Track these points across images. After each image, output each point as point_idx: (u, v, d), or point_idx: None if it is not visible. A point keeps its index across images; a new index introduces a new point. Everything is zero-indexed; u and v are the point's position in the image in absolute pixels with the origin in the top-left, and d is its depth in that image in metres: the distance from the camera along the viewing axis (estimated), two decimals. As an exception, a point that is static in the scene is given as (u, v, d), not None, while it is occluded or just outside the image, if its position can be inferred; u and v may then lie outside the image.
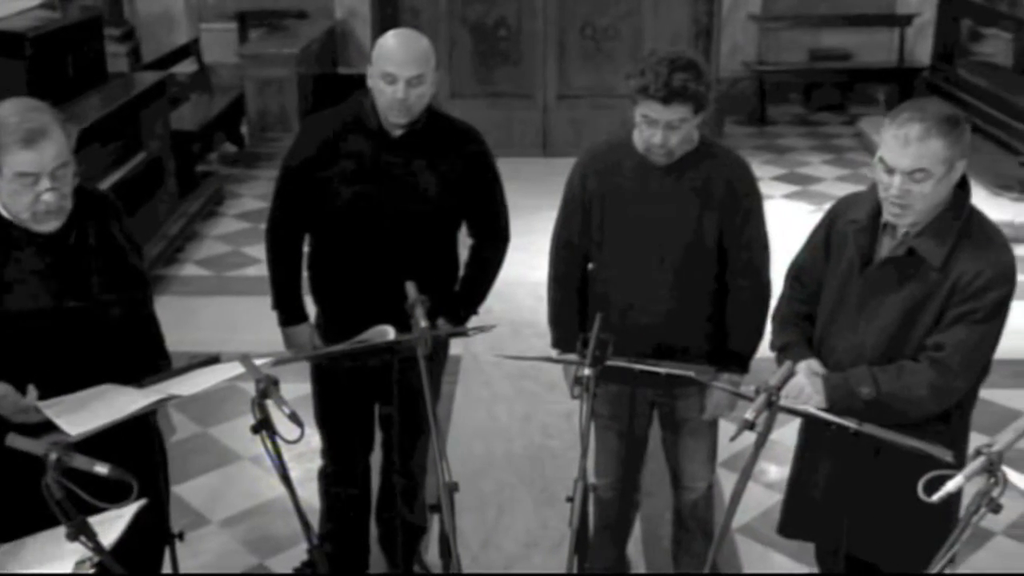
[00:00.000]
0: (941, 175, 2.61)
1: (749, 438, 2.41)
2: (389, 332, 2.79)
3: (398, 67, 3.08)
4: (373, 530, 3.77)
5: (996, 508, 2.04)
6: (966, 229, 2.70)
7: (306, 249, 3.45)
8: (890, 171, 2.63)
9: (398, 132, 3.20)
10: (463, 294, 3.46)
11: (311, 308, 3.52)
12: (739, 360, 3.25)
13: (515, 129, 8.96)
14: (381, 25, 9.08)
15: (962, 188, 2.72)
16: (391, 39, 3.16)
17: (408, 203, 3.23)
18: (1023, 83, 8.80)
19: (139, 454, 2.76)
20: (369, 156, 3.21)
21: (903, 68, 10.44)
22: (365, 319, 2.89)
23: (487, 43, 9.08)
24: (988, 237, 2.73)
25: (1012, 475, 2.07)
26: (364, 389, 3.46)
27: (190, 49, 9.52)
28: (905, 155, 2.59)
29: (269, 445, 2.41)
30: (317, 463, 3.70)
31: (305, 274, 3.48)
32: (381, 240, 3.25)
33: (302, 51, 8.84)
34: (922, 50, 10.41)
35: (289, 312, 3.47)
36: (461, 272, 3.51)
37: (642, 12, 8.87)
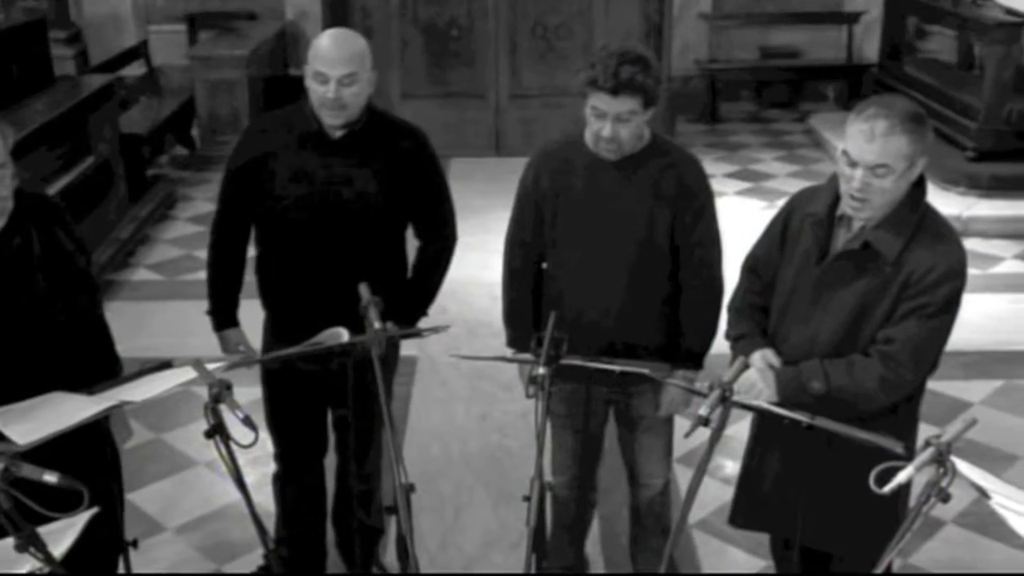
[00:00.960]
0: (902, 171, 2.65)
1: (705, 434, 2.43)
2: (343, 334, 2.77)
3: (329, 66, 3.07)
4: (330, 534, 3.75)
5: (945, 498, 2.06)
6: (920, 225, 2.74)
7: (253, 253, 3.42)
8: (853, 164, 2.67)
9: (338, 134, 3.18)
10: (411, 295, 3.44)
11: (256, 312, 3.48)
12: (693, 357, 3.27)
13: (468, 129, 8.97)
14: (332, 25, 9.02)
15: (918, 185, 2.77)
16: (324, 38, 3.14)
17: (351, 205, 3.21)
18: (968, 79, 8.93)
19: (90, 462, 2.72)
20: (310, 159, 3.19)
21: (852, 65, 10.58)
22: (314, 322, 2.87)
23: (439, 43, 9.06)
24: (941, 233, 2.77)
25: (961, 465, 2.10)
26: (316, 392, 3.44)
27: (139, 51, 9.42)
28: (869, 150, 2.63)
29: (223, 450, 2.39)
30: (273, 467, 3.68)
31: (251, 279, 3.44)
32: (326, 243, 3.23)
33: (252, 53, 8.77)
34: (870, 47, 10.54)
35: (224, 316, 3.44)
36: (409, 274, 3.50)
37: (593, 11, 8.91)
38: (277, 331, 3.41)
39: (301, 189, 3.19)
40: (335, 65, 3.06)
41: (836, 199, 2.80)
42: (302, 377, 3.38)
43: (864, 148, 2.64)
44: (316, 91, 3.11)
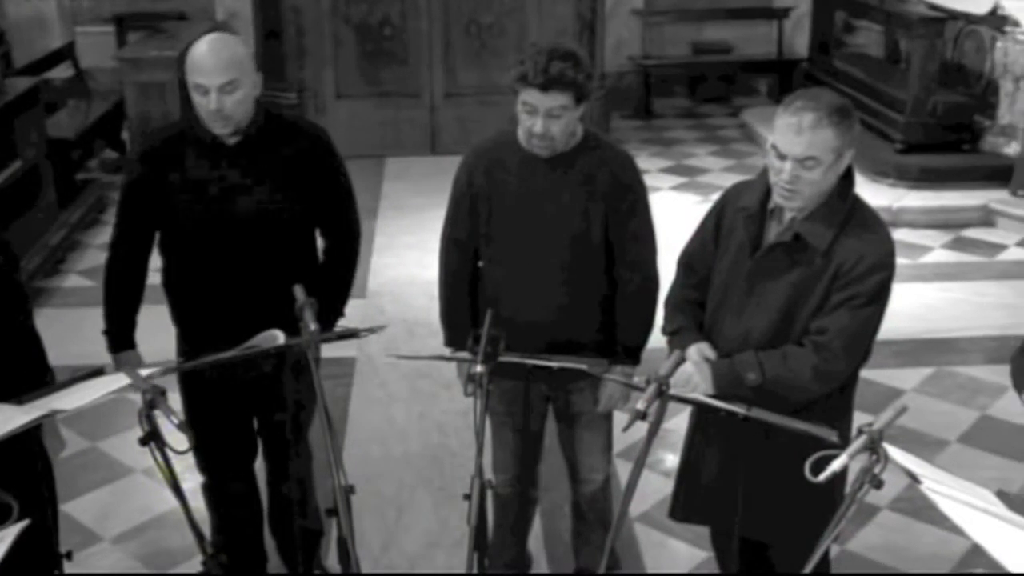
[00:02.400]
0: (830, 163, 2.69)
1: (644, 428, 2.44)
2: (279, 337, 2.75)
3: (207, 76, 3.01)
4: (270, 538, 3.72)
5: (878, 484, 2.10)
6: (849, 216, 2.78)
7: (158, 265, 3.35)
8: (782, 157, 2.70)
9: (233, 140, 3.14)
10: (325, 297, 3.41)
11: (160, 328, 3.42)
12: (631, 352, 3.29)
13: (403, 128, 8.92)
14: (263, 26, 8.97)
15: (847, 176, 2.81)
16: (200, 49, 3.06)
17: (253, 212, 3.16)
18: (894, 73, 9.09)
19: (21, 473, 2.67)
20: (207, 167, 3.14)
21: (783, 60, 10.71)
22: (226, 334, 2.82)
23: (372, 42, 9.01)
24: (869, 224, 2.82)
25: (893, 452, 2.13)
26: (238, 399, 3.39)
27: (65, 53, 9.24)
28: (797, 143, 2.66)
29: (158, 457, 2.37)
30: (206, 475, 3.64)
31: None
32: (230, 251, 3.18)
33: (182, 54, 8.64)
34: (800, 42, 10.69)
35: (119, 339, 3.33)
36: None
37: (526, 8, 8.92)
38: (189, 346, 3.34)
39: (202, 200, 3.14)
40: (213, 74, 3.01)
41: (767, 192, 2.83)
42: (223, 385, 3.33)
43: (792, 141, 2.67)
44: (199, 103, 3.06)
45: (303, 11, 8.87)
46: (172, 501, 2.53)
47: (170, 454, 2.38)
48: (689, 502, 3.17)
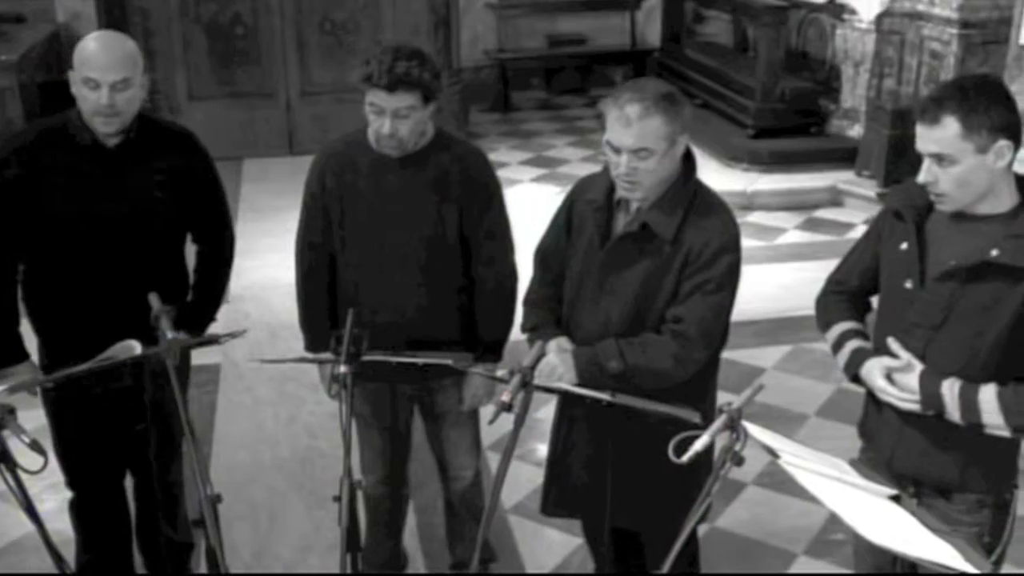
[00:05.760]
0: (664, 150, 2.74)
1: (512, 420, 2.45)
2: (135, 347, 2.67)
3: (100, 71, 2.94)
4: (138, 555, 3.62)
5: (739, 461, 2.15)
6: (693, 202, 2.84)
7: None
8: (616, 151, 2.74)
9: (113, 142, 3.06)
10: (198, 302, 3.35)
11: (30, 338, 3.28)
12: (492, 348, 3.30)
13: (259, 129, 8.77)
14: (108, 28, 8.66)
15: (688, 162, 2.87)
16: (91, 42, 3.00)
17: (126, 215, 3.09)
18: (743, 61, 9.36)
19: None
20: (81, 169, 3.05)
21: (636, 50, 10.91)
22: (95, 342, 2.72)
23: (224, 42, 8.82)
24: (713, 208, 2.89)
25: (752, 429, 2.19)
26: (107, 411, 3.29)
27: None
28: (628, 135, 2.71)
29: (10, 478, 2.28)
30: (70, 493, 3.51)
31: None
32: (101, 256, 3.09)
33: (22, 58, 8.28)
34: (652, 32, 10.91)
35: (8, 351, 3.19)
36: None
37: (380, 5, 8.85)
38: (53, 357, 3.22)
39: (79, 204, 3.04)
40: (107, 70, 2.94)
41: (613, 184, 2.88)
42: (90, 398, 3.22)
43: (623, 134, 2.72)
44: (87, 98, 2.97)
45: (151, 12, 8.63)
46: (28, 524, 2.43)
47: (24, 475, 2.29)
48: (559, 496, 3.19)
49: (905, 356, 2.56)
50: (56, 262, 3.13)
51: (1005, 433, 2.48)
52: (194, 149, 3.26)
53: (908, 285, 2.57)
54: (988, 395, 2.45)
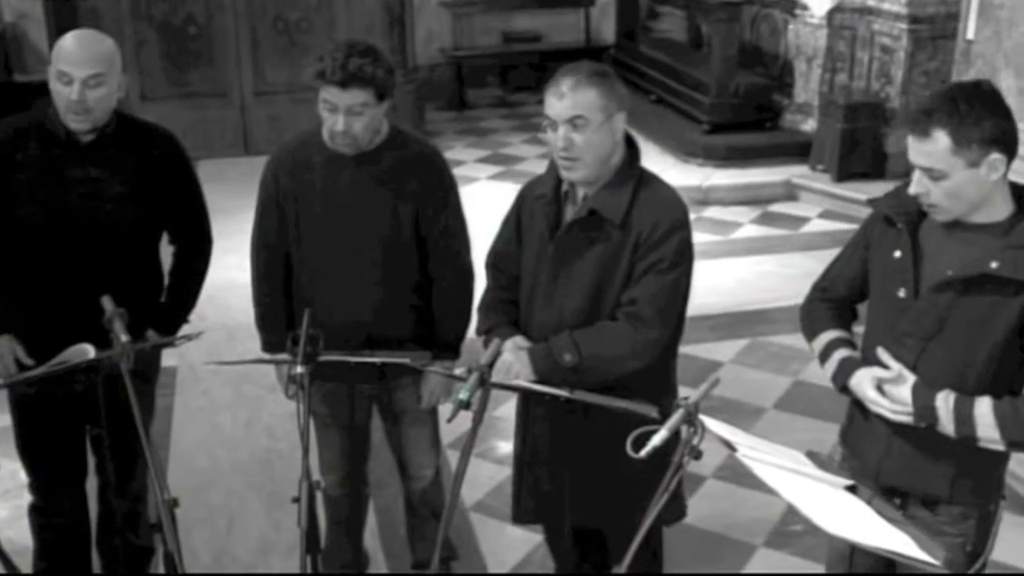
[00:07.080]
0: (600, 122, 2.75)
1: (471, 418, 2.45)
2: (89, 351, 2.65)
3: (74, 66, 2.93)
4: (96, 561, 3.58)
5: (697, 455, 2.15)
6: (639, 185, 2.86)
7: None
8: (554, 125, 2.78)
9: (87, 139, 3.04)
10: (171, 303, 3.33)
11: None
12: (450, 346, 3.29)
13: (213, 129, 8.70)
14: (58, 28, 8.55)
15: (631, 147, 2.89)
16: (69, 38, 3.00)
17: (101, 213, 3.06)
18: (698, 57, 9.40)
19: None
20: (54, 165, 3.03)
21: (591, 47, 10.90)
22: (62, 341, 2.72)
23: (177, 42, 8.74)
24: (659, 189, 2.91)
25: (709, 423, 2.20)
26: (69, 413, 3.26)
27: None
28: (562, 106, 2.76)
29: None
30: (27, 499, 3.47)
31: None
32: (74, 254, 3.06)
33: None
34: (607, 29, 10.94)
35: None
36: (166, 281, 3.37)
37: (334, 3, 8.80)
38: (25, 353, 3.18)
39: (50, 200, 3.02)
40: (80, 65, 2.92)
41: (560, 179, 2.89)
42: (53, 400, 3.19)
43: (557, 106, 2.77)
44: (60, 93, 2.95)
45: (102, 12, 8.52)
46: (-18, 531, 2.41)
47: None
48: (530, 502, 3.16)
49: (896, 367, 2.49)
50: (23, 258, 3.10)
51: (999, 447, 2.42)
52: (172, 149, 3.24)
53: (901, 294, 2.50)
54: (984, 409, 2.39)
